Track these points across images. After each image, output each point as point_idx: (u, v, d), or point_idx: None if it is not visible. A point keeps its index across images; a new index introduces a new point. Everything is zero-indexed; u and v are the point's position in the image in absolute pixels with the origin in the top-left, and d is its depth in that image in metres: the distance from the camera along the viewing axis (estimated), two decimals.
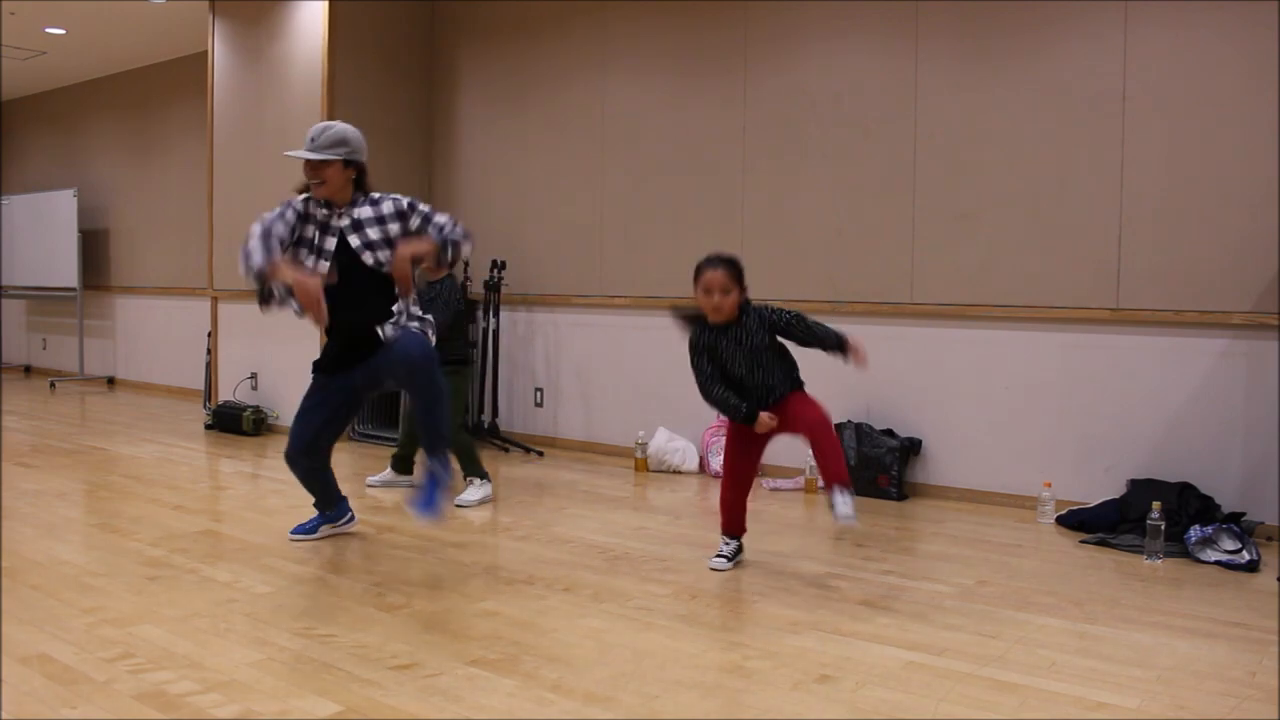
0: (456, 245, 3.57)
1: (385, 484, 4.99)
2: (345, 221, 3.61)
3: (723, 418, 5.41)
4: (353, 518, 4.07)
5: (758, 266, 5.38)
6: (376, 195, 3.67)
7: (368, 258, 3.58)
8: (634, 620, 3.01)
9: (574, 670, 2.61)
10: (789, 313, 3.46)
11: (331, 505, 3.98)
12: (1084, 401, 4.48)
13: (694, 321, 3.54)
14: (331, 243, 3.61)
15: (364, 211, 3.62)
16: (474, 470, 4.66)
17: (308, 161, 3.59)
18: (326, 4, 6.20)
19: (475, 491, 4.61)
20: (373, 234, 3.60)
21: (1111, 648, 2.84)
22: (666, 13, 5.72)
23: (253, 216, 7.03)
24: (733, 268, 3.42)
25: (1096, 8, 4.39)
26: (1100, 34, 4.39)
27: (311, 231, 3.63)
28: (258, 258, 3.38)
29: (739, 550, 3.67)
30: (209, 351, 7.27)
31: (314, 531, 3.95)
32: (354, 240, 3.59)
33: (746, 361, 3.46)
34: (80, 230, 9.27)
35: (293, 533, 3.95)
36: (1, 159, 11.18)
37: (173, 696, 2.40)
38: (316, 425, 3.80)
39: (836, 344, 3.43)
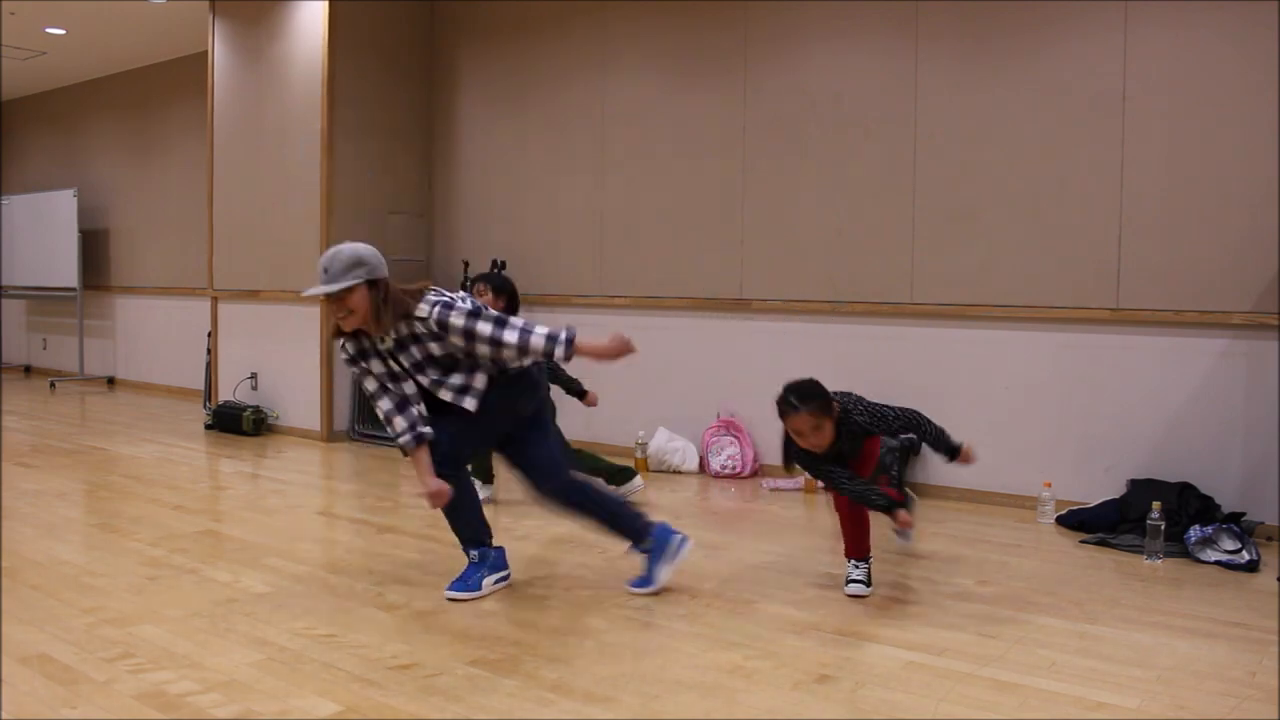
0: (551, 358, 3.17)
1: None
2: (389, 344, 3.19)
3: (723, 418, 5.44)
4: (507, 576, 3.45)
5: (758, 266, 5.39)
6: (409, 314, 3.15)
7: (421, 379, 3.21)
8: (634, 620, 3.01)
9: (574, 670, 2.61)
10: (873, 418, 3.24)
11: (477, 542, 3.41)
12: (1084, 401, 4.48)
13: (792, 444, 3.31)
14: (384, 366, 3.22)
15: (401, 329, 3.17)
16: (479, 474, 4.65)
17: (329, 298, 3.14)
18: (326, 4, 6.20)
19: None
20: (416, 354, 3.19)
21: (1111, 648, 2.84)
22: (666, 13, 5.72)
23: (253, 216, 7.09)
24: (815, 401, 3.16)
25: (1096, 8, 4.39)
26: (1100, 34, 4.39)
27: (372, 362, 3.25)
28: (407, 437, 3.18)
29: (869, 574, 3.36)
30: (209, 351, 7.27)
31: (477, 588, 3.29)
32: (404, 360, 3.20)
33: (844, 461, 3.30)
34: (80, 230, 9.27)
35: (450, 590, 3.30)
36: (1, 159, 11.19)
37: (173, 696, 2.40)
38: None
39: (915, 444, 3.26)
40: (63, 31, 8.05)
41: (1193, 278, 4.22)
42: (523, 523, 4.26)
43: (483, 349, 3.14)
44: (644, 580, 3.31)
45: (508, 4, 6.40)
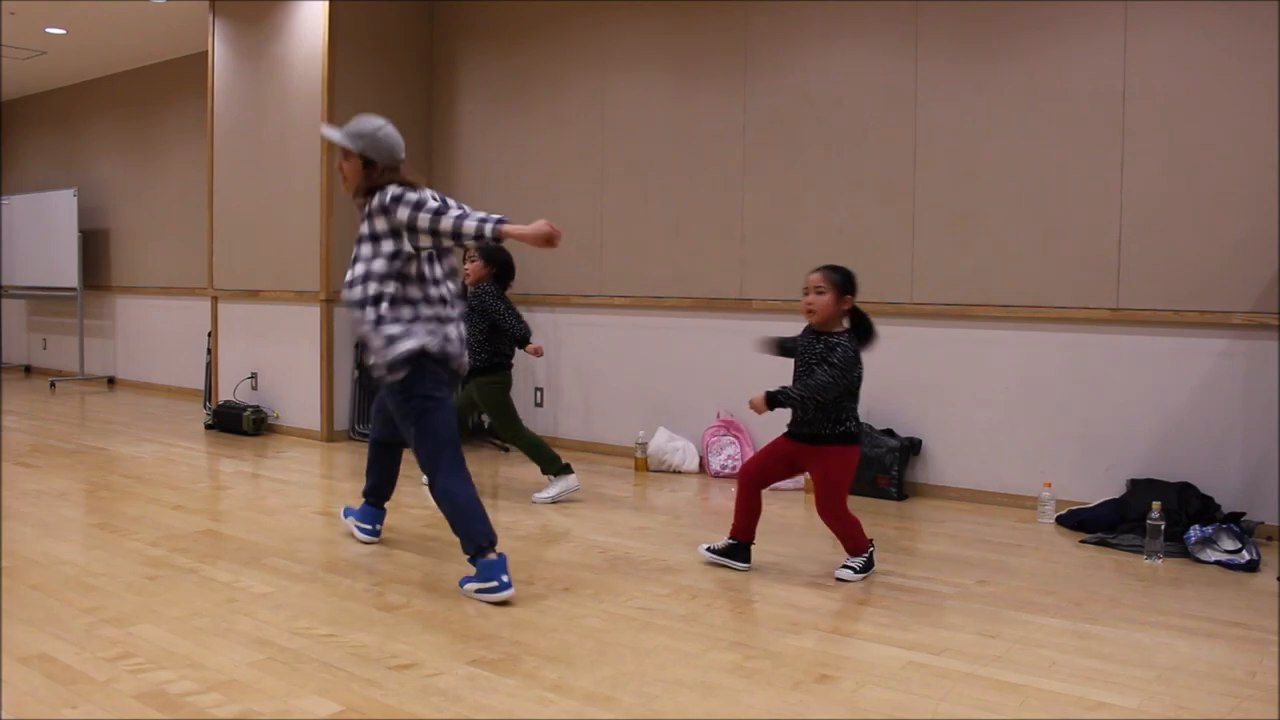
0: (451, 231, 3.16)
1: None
2: (364, 226, 3.35)
3: (723, 417, 5.43)
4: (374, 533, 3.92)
5: (758, 266, 5.39)
6: (374, 190, 3.33)
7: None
8: (634, 620, 3.01)
9: (574, 670, 2.61)
10: (834, 354, 3.38)
11: (378, 502, 3.91)
12: (1084, 401, 4.48)
13: None
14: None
15: (370, 203, 3.34)
16: (551, 468, 4.65)
17: (338, 149, 3.46)
18: (326, 4, 6.20)
19: (550, 489, 4.65)
20: (361, 229, 3.33)
21: (1111, 648, 2.84)
22: (666, 13, 5.72)
23: (253, 217, 7.09)
24: (833, 272, 3.45)
25: (1096, 8, 4.39)
26: (1100, 34, 4.39)
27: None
28: None
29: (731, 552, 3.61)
30: (209, 351, 7.27)
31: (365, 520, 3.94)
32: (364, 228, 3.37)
33: (799, 374, 3.49)
34: (80, 230, 9.27)
35: (347, 514, 4.03)
36: (1, 159, 11.19)
37: (173, 696, 2.40)
38: (379, 422, 3.89)
39: (807, 401, 3.39)
40: (63, 31, 8.05)
41: (1193, 278, 4.22)
42: (524, 522, 4.26)
43: (422, 228, 3.20)
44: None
45: (508, 4, 6.40)
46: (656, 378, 5.80)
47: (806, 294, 3.46)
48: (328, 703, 2.38)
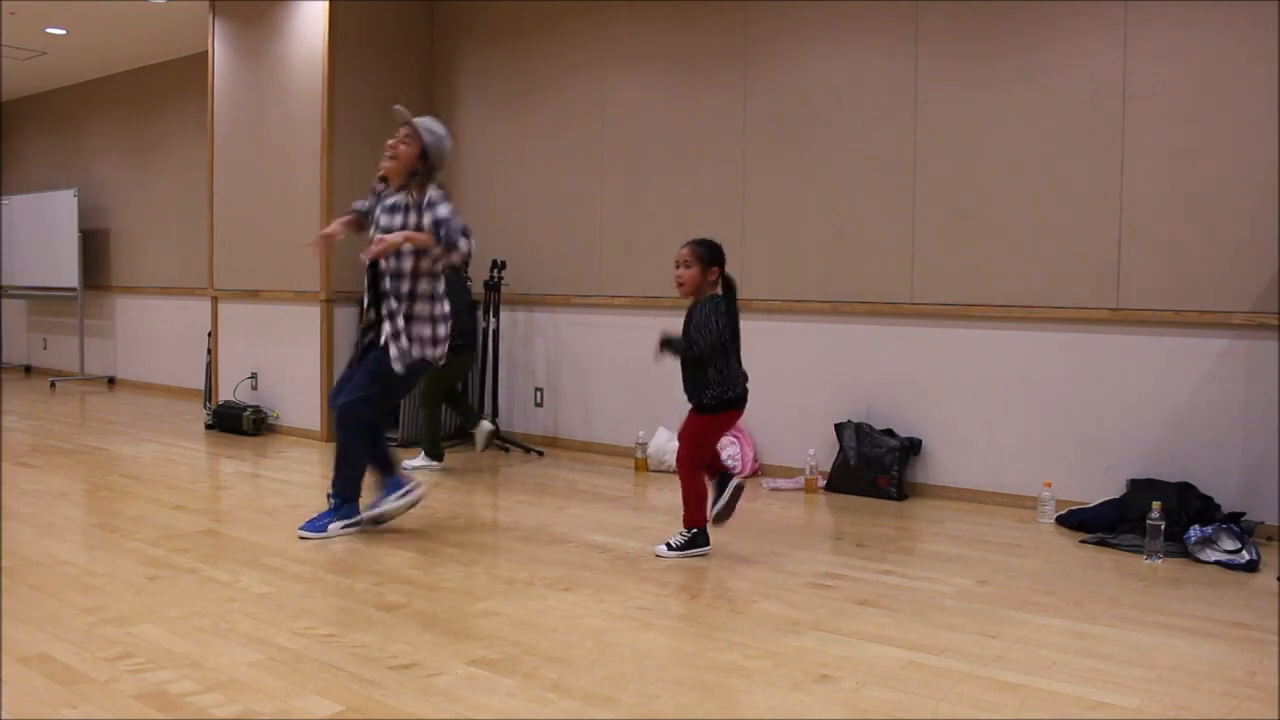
0: (452, 245, 3.74)
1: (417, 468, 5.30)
2: (389, 200, 3.86)
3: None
4: (360, 521, 4.02)
5: (758, 266, 5.39)
6: (425, 180, 3.85)
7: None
8: (634, 620, 3.01)
9: (574, 670, 2.61)
10: (693, 318, 3.66)
11: (348, 498, 3.99)
12: (1084, 401, 4.48)
13: None
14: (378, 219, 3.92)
15: (400, 198, 3.84)
16: (430, 451, 5.23)
17: (400, 124, 3.83)
18: (326, 4, 6.20)
19: (419, 461, 5.27)
20: (395, 219, 3.81)
21: (1111, 648, 2.84)
22: (666, 13, 5.72)
23: (253, 217, 7.09)
24: (700, 246, 3.67)
25: (1096, 8, 4.39)
26: (1100, 33, 4.39)
27: (375, 206, 3.99)
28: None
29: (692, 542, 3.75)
30: (209, 351, 7.27)
31: (323, 530, 3.93)
32: (382, 219, 3.86)
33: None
34: (80, 230, 9.27)
35: (302, 529, 3.96)
36: (1, 159, 11.18)
37: (173, 696, 2.40)
38: (343, 389, 4.04)
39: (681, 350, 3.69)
40: (63, 31, 8.05)
41: (1193, 277, 4.22)
42: (523, 523, 4.26)
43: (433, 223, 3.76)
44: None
45: (508, 4, 6.40)
46: (656, 378, 5.80)
47: (677, 268, 3.67)
48: (328, 703, 2.38)
